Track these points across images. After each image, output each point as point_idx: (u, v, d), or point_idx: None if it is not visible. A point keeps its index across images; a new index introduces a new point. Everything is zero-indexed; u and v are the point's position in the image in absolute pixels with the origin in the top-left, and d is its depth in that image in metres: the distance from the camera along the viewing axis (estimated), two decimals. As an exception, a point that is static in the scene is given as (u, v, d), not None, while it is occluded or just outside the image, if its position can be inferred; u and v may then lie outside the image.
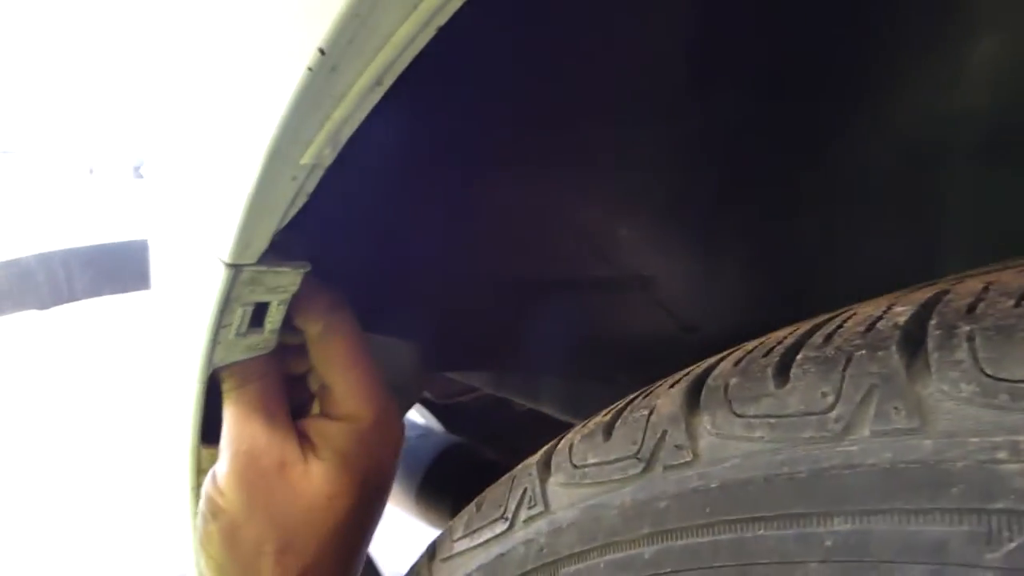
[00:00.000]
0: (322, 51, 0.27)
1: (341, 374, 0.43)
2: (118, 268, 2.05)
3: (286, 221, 0.36)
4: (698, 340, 0.68)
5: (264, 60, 0.30)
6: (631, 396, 0.29)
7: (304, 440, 0.44)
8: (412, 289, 0.66)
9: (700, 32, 0.55)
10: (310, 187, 0.34)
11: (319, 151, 0.32)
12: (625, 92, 0.57)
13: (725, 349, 0.72)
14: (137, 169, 10.96)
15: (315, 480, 0.42)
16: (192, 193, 0.41)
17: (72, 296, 1.99)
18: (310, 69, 0.28)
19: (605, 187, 0.60)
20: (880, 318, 0.22)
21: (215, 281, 0.38)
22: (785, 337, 0.25)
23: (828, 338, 0.23)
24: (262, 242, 0.36)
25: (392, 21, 0.26)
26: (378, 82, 0.29)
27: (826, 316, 0.26)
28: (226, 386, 0.43)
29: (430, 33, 0.27)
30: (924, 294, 0.23)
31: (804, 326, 0.26)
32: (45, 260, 1.93)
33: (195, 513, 0.52)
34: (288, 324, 0.44)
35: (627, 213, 0.61)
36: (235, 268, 0.37)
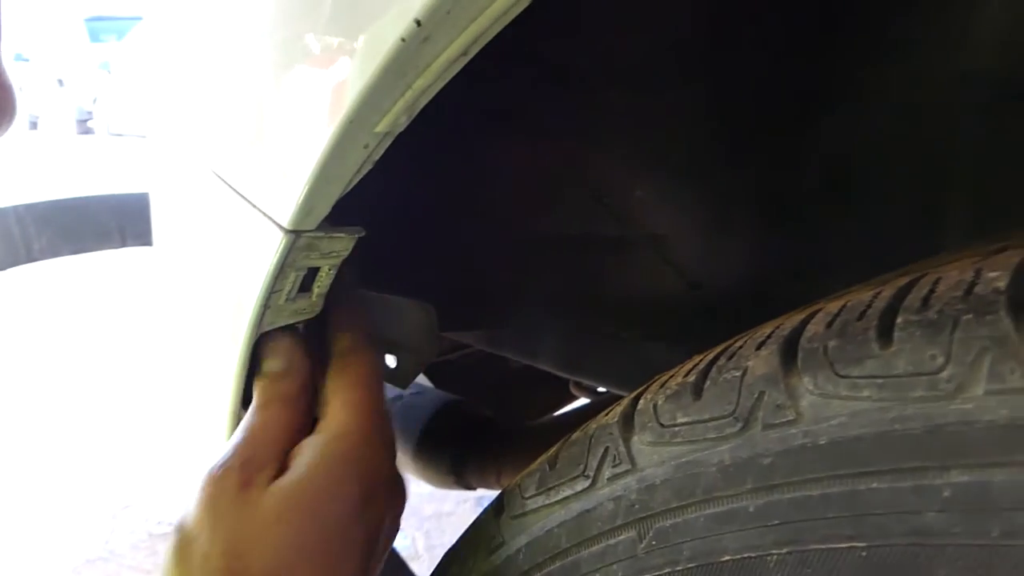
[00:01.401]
0: (418, 22, 0.27)
1: (346, 389, 0.42)
2: (78, 226, 1.98)
3: (349, 188, 0.36)
4: (700, 297, 0.70)
5: (349, 29, 0.30)
6: (710, 357, 0.30)
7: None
8: (426, 248, 0.67)
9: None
10: (377, 155, 0.35)
11: (395, 119, 0.32)
12: (643, 54, 0.57)
13: (728, 306, 0.74)
14: (83, 123, 10.56)
15: (273, 497, 0.38)
16: (238, 157, 0.41)
17: (30, 256, 1.93)
18: (403, 40, 0.28)
19: (621, 147, 0.61)
20: (975, 283, 0.24)
21: (270, 246, 0.38)
22: (871, 301, 0.26)
23: (925, 302, 0.24)
24: (324, 209, 0.37)
25: (492, -7, 0.27)
26: (464, 52, 0.29)
27: (902, 279, 0.28)
28: (255, 394, 0.43)
29: (523, 5, 0.28)
30: (1011, 258, 0.25)
31: (885, 290, 0.27)
32: (-1, 217, 1.86)
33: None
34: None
35: (642, 173, 0.62)
36: (295, 234, 0.37)
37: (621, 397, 0.76)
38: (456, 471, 0.96)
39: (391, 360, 0.66)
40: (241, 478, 0.39)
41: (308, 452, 0.40)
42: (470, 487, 0.99)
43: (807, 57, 0.57)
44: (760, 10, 0.56)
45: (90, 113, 10.42)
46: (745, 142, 0.61)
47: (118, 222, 2.01)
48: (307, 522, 0.38)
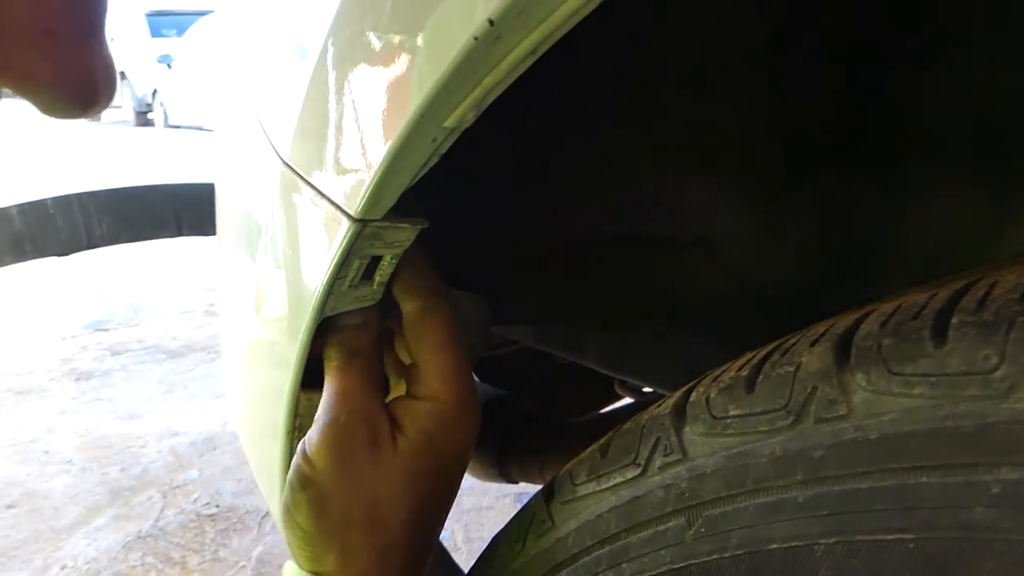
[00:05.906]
0: (491, 22, 0.28)
1: (433, 354, 0.45)
2: (137, 214, 2.03)
3: (416, 180, 0.38)
4: (752, 299, 0.70)
5: (423, 26, 0.32)
6: (763, 353, 0.31)
7: (391, 420, 0.45)
8: (479, 242, 0.68)
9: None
10: (444, 148, 0.36)
11: (463, 115, 0.33)
12: (700, 55, 0.58)
13: (780, 310, 0.74)
14: (142, 115, 10.84)
15: (402, 458, 0.44)
16: (310, 148, 0.43)
17: (91, 243, 1.99)
18: (476, 38, 0.29)
19: (677, 149, 0.62)
20: (1031, 287, 0.24)
21: (337, 234, 0.40)
22: (927, 302, 0.27)
23: (981, 304, 0.25)
24: (391, 200, 0.38)
25: (562, -5, 0.28)
26: (533, 51, 0.31)
27: (958, 282, 0.28)
28: (332, 362, 0.45)
29: (592, 6, 0.29)
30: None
31: (941, 291, 0.27)
32: (63, 204, 1.92)
33: (285, 453, 0.55)
34: (389, 298, 0.46)
35: (696, 175, 0.63)
36: (361, 223, 0.39)
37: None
38: (500, 464, 0.98)
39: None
40: (369, 435, 0.44)
41: (422, 418, 0.45)
42: (513, 480, 1.00)
43: (869, 62, 0.57)
44: (823, 13, 0.56)
45: (149, 105, 10.71)
46: (801, 148, 0.61)
47: (175, 211, 2.06)
48: (436, 480, 0.45)
